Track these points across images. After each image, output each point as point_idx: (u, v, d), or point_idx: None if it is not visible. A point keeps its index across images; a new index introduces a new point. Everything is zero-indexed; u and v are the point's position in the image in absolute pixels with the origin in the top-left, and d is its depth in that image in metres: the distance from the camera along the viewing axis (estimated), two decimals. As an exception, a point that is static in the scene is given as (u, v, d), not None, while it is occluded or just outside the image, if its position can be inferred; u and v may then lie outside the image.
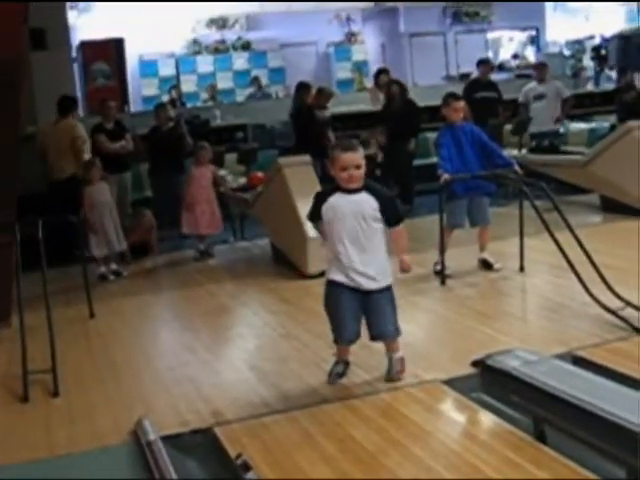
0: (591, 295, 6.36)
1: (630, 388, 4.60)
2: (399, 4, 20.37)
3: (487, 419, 4.75)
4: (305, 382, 5.60)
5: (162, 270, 9.78)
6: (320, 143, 11.28)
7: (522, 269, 8.03)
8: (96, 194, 9.30)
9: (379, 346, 5.82)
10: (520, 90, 13.51)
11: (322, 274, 8.34)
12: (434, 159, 11.63)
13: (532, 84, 13.40)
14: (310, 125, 12.09)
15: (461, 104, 8.45)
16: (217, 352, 6.70)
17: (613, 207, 10.31)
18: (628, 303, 6.24)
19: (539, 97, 13.02)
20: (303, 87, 12.72)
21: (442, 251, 7.86)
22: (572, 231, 6.80)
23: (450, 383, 5.24)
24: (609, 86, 18.71)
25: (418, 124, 12.74)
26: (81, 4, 13.97)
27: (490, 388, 5.07)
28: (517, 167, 8.13)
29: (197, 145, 10.55)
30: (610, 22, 22.82)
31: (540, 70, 13.67)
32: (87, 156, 10.39)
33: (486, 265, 8.30)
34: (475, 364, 5.37)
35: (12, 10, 5.87)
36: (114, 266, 9.35)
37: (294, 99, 12.93)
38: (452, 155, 8.22)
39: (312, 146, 10.94)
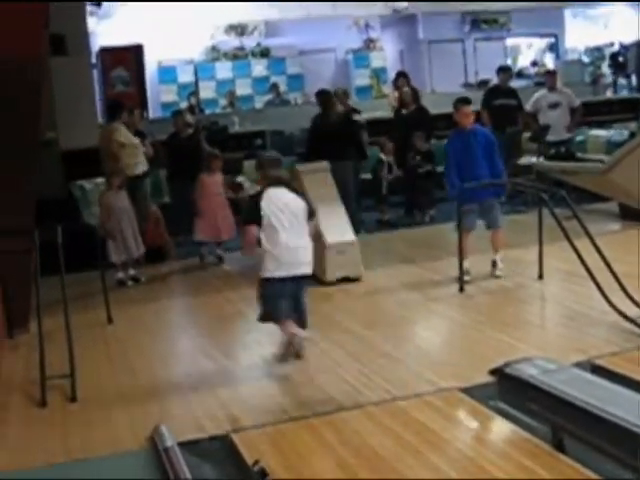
0: (610, 303, 6.33)
1: (649, 397, 4.56)
2: (417, 11, 20.33)
3: (505, 427, 4.74)
4: (322, 389, 5.60)
5: (179, 276, 9.78)
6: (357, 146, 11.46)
7: (541, 277, 8.00)
8: (115, 200, 9.33)
9: (397, 355, 5.83)
10: (539, 98, 13.47)
11: (341, 281, 8.42)
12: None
13: (542, 92, 13.33)
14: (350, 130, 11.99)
15: (470, 109, 8.67)
16: (234, 358, 6.70)
17: (632, 215, 10.25)
18: (647, 311, 6.22)
19: (554, 105, 12.96)
20: (322, 95, 12.61)
21: (461, 258, 7.84)
22: (591, 239, 6.77)
23: (468, 391, 5.23)
24: (628, 94, 18.66)
25: (430, 130, 12.66)
26: (101, 10, 14.03)
27: (508, 396, 5.04)
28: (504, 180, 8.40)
29: (209, 153, 10.59)
30: (629, 29, 22.72)
31: (551, 78, 13.61)
32: (130, 160, 10.41)
33: (493, 265, 8.43)
34: (493, 372, 5.34)
35: (33, 11, 5.90)
36: (132, 272, 9.37)
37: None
38: (460, 161, 8.36)
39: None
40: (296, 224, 6.16)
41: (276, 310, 6.15)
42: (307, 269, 6.21)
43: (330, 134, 11.20)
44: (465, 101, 8.75)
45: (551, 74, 13.97)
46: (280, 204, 6.14)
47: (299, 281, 6.23)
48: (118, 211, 9.28)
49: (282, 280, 6.09)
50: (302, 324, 6.29)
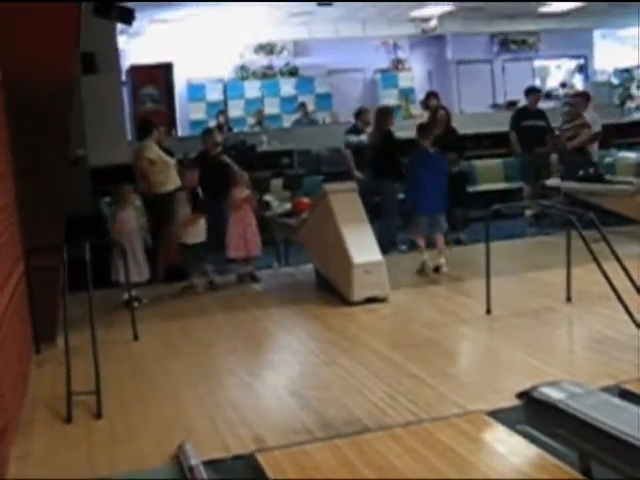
0: (639, 327, 6.26)
1: (678, 423, 4.50)
2: (446, 31, 20.37)
3: (532, 452, 4.68)
4: (347, 410, 5.57)
5: (205, 293, 9.79)
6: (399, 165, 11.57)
7: (569, 299, 7.95)
8: (125, 220, 9.31)
9: (423, 376, 5.80)
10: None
11: (367, 301, 8.41)
12: (483, 186, 11.63)
13: None
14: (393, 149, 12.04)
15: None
16: (260, 377, 6.69)
17: (661, 238, 10.18)
18: (677, 336, 6.15)
19: None
20: (384, 112, 12.62)
21: (488, 276, 7.79)
22: (620, 262, 6.71)
23: (494, 414, 5.19)
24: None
25: (459, 151, 12.64)
26: (131, 29, 14.14)
27: (535, 420, 4.98)
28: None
29: (235, 172, 10.65)
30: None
31: (579, 100, 13.54)
32: (159, 177, 10.44)
33: (437, 270, 9.58)
34: (520, 396, 5.29)
35: (64, 34, 5.96)
36: (134, 292, 9.14)
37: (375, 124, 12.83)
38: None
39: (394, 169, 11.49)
40: None
41: None
42: None
43: (382, 151, 11.34)
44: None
45: (580, 96, 13.90)
46: None
47: None
48: (126, 230, 9.24)
49: None
50: None
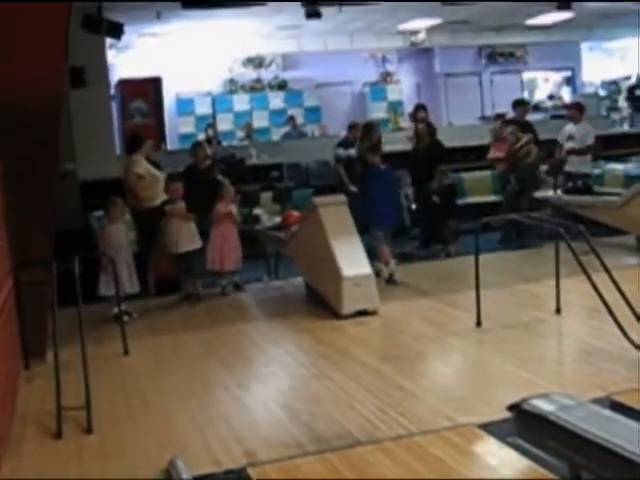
0: (629, 339, 6.29)
1: (669, 435, 4.51)
2: (434, 44, 20.45)
3: (523, 464, 4.69)
4: (338, 423, 5.56)
5: (195, 307, 9.78)
6: None
7: (558, 311, 7.97)
8: (114, 234, 9.31)
9: (414, 389, 5.80)
10: (555, 130, 13.43)
11: (357, 314, 8.41)
12: (472, 199, 11.69)
13: (569, 126, 13.31)
14: None
15: None
16: (250, 391, 6.67)
17: (650, 249, 10.23)
18: (666, 347, 6.17)
19: (569, 138, 12.93)
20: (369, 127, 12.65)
21: (478, 288, 7.79)
22: (609, 273, 6.73)
23: (485, 427, 5.20)
24: None
25: (444, 163, 12.67)
26: (120, 43, 14.18)
27: (526, 433, 4.99)
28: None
29: (219, 182, 10.68)
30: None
31: (572, 110, 13.54)
32: (148, 192, 10.42)
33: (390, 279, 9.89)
34: (511, 408, 5.29)
35: (53, 50, 5.95)
36: (124, 307, 9.04)
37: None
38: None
39: None
40: None
41: None
42: None
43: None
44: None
45: (573, 107, 13.85)
46: None
47: None
48: (115, 244, 9.24)
49: None
50: None
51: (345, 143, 12.90)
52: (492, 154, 13.36)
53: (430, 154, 12.38)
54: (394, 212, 10.54)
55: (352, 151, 12.36)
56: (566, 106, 15.27)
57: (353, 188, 11.61)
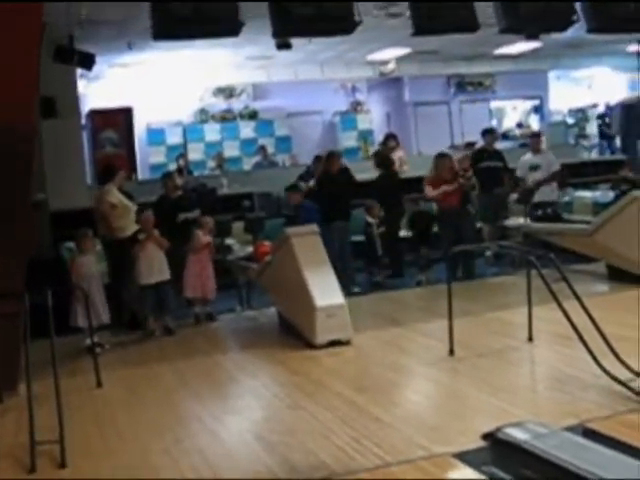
0: (600, 366, 6.33)
1: (642, 461, 4.56)
2: (404, 74, 20.61)
3: (498, 493, 4.71)
4: (313, 454, 5.55)
5: (168, 338, 9.74)
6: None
7: (531, 339, 8.02)
8: (86, 265, 9.30)
9: (389, 419, 5.81)
10: (524, 159, 13.59)
11: (331, 344, 8.41)
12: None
13: (527, 155, 13.49)
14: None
15: None
16: (225, 423, 6.64)
17: (620, 276, 10.32)
18: (638, 374, 6.22)
19: (534, 168, 13.08)
20: (329, 155, 12.73)
21: (450, 317, 7.82)
22: (580, 302, 6.78)
23: (461, 456, 5.20)
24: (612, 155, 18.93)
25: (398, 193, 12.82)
26: (91, 73, 14.16)
27: (501, 461, 5.02)
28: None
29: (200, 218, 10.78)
30: (612, 90, 23.08)
31: (534, 140, 13.77)
32: (120, 222, 10.40)
33: None
34: (485, 437, 5.33)
35: (24, 81, 5.96)
36: (96, 338, 9.04)
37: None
38: None
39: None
40: None
41: None
42: None
43: (335, 194, 11.45)
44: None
45: (535, 137, 14.12)
46: None
47: None
48: (86, 275, 9.21)
49: None
50: None
51: (306, 175, 13.03)
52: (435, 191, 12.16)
53: (384, 184, 12.53)
54: None
55: (312, 183, 12.52)
56: (531, 136, 15.43)
57: None
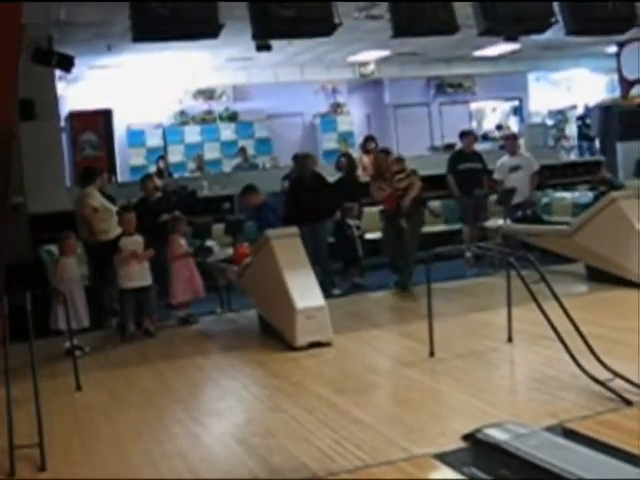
0: (579, 366, 6.36)
1: (621, 461, 4.59)
2: (384, 75, 20.66)
3: (479, 494, 4.72)
4: (294, 457, 5.55)
5: (148, 341, 9.71)
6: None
7: (510, 340, 8.04)
8: (68, 267, 9.26)
9: (369, 421, 5.81)
10: (504, 160, 13.64)
11: (311, 346, 8.41)
12: (423, 229, 11.76)
13: (505, 158, 13.53)
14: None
15: None
16: (206, 425, 6.63)
17: (599, 276, 10.37)
18: (616, 374, 6.25)
19: (514, 169, 13.13)
20: (301, 157, 12.75)
21: (430, 318, 7.83)
22: (560, 302, 6.80)
23: (441, 457, 5.21)
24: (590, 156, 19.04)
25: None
26: (70, 75, 14.10)
27: (481, 462, 5.04)
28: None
29: (174, 216, 10.75)
30: (591, 92, 23.23)
31: (510, 142, 13.84)
32: (102, 225, 10.37)
33: None
34: (466, 438, 5.35)
35: (5, 83, 5.94)
36: (76, 341, 8.88)
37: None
38: None
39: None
40: None
41: None
42: None
43: (310, 196, 11.43)
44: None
45: (511, 139, 14.18)
46: None
47: None
48: (67, 278, 9.18)
49: None
50: None
51: (290, 175, 13.06)
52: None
53: (343, 187, 12.60)
54: None
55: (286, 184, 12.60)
56: (504, 139, 15.50)
57: None
